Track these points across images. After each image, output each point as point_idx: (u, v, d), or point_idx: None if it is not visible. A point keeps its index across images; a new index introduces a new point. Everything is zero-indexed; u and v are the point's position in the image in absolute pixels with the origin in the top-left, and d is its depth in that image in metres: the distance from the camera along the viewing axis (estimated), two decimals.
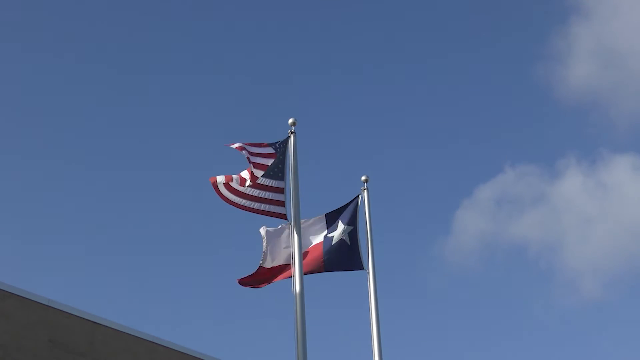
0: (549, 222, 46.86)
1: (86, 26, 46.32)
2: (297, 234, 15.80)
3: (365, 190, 17.90)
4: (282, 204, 15.89)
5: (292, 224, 15.96)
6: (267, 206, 15.84)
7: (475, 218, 46.47)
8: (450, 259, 45.77)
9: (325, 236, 17.15)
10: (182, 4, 47.97)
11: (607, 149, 46.86)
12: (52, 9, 46.10)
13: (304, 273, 16.17)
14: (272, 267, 16.31)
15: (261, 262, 16.19)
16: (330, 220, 17.32)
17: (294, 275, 15.52)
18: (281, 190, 15.95)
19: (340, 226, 17.23)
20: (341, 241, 17.11)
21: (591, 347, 43.85)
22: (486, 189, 47.01)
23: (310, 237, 17.06)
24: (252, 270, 16.27)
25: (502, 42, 49.45)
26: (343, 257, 17.11)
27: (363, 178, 18.05)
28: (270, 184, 15.88)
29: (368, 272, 17.17)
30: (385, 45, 48.33)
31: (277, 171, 16.04)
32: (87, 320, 13.62)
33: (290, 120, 16.63)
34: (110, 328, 13.88)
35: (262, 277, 16.33)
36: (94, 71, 46.33)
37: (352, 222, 17.42)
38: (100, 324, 13.76)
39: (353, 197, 17.75)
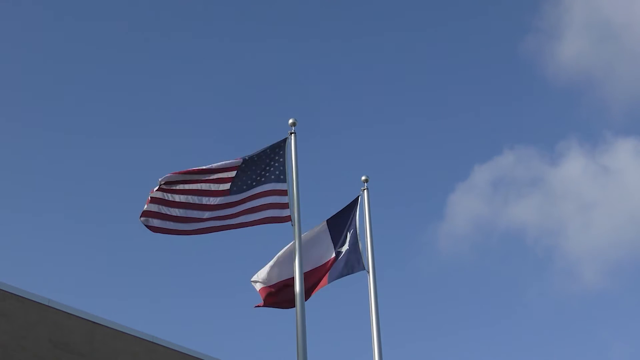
0: (548, 207, 45.54)
1: (86, 24, 46.35)
2: (297, 234, 15.73)
3: (365, 191, 17.86)
4: (286, 206, 15.77)
5: (293, 224, 15.85)
6: (270, 212, 15.63)
7: (471, 202, 45.34)
8: (443, 244, 44.86)
9: (337, 251, 17.11)
10: (181, 3, 48.00)
11: (609, 132, 45.77)
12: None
13: (312, 293, 16.33)
14: (278, 282, 16.32)
15: (256, 279, 16.29)
16: (335, 231, 17.20)
17: (294, 276, 15.48)
18: (284, 193, 15.81)
19: (346, 238, 17.23)
20: (342, 252, 17.14)
21: (590, 339, 42.88)
22: (483, 172, 45.83)
23: (316, 252, 16.99)
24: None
25: (491, 12, 48.27)
26: (343, 264, 17.10)
27: (363, 178, 18.02)
28: (271, 189, 15.74)
29: (368, 272, 17.14)
30: (385, 44, 48.23)
31: (278, 174, 15.93)
32: (87, 320, 13.63)
33: (290, 121, 16.59)
34: (110, 328, 13.89)
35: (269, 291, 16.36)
36: (91, 70, 46.37)
37: (353, 226, 17.41)
38: (100, 324, 13.78)
39: (353, 200, 17.72)
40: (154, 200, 14.84)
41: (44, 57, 45.93)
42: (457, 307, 43.07)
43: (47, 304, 13.19)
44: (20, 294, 12.95)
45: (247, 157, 15.76)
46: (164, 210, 14.90)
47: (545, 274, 44.33)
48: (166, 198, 14.98)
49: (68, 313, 13.42)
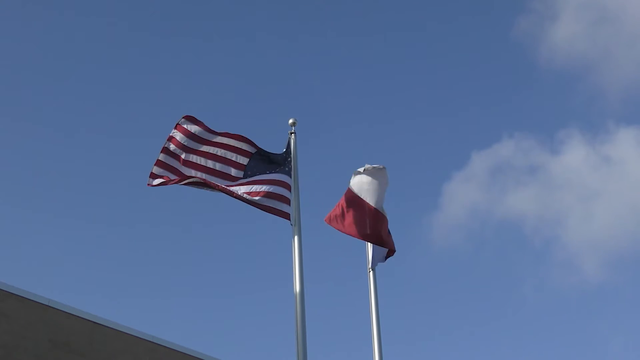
0: (547, 197, 44.31)
1: (86, 25, 46.41)
2: (298, 236, 15.63)
3: None
4: (287, 201, 15.44)
5: (293, 225, 15.75)
6: (273, 202, 15.39)
7: (467, 190, 43.93)
8: (437, 235, 43.78)
9: (376, 207, 16.87)
10: (180, 2, 48.04)
11: (610, 120, 44.85)
12: None
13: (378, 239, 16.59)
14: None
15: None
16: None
17: (294, 276, 15.43)
18: (288, 187, 15.63)
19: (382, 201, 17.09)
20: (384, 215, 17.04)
21: (588, 332, 41.66)
22: (481, 159, 44.77)
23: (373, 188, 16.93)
24: None
25: None
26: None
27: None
28: (280, 179, 15.58)
29: (371, 271, 17.14)
30: (381, 38, 48.11)
31: (288, 170, 15.81)
32: (87, 320, 13.64)
33: (291, 121, 16.57)
34: (110, 328, 13.90)
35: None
36: (91, 70, 46.42)
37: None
38: (100, 324, 13.78)
39: None
40: (160, 164, 14.84)
41: (44, 55, 46.03)
42: (452, 300, 42.22)
43: (47, 304, 13.20)
44: (20, 294, 12.95)
45: (261, 151, 15.81)
46: (173, 165, 14.91)
47: (544, 265, 43.38)
48: (176, 153, 15.00)
49: (68, 313, 13.42)
